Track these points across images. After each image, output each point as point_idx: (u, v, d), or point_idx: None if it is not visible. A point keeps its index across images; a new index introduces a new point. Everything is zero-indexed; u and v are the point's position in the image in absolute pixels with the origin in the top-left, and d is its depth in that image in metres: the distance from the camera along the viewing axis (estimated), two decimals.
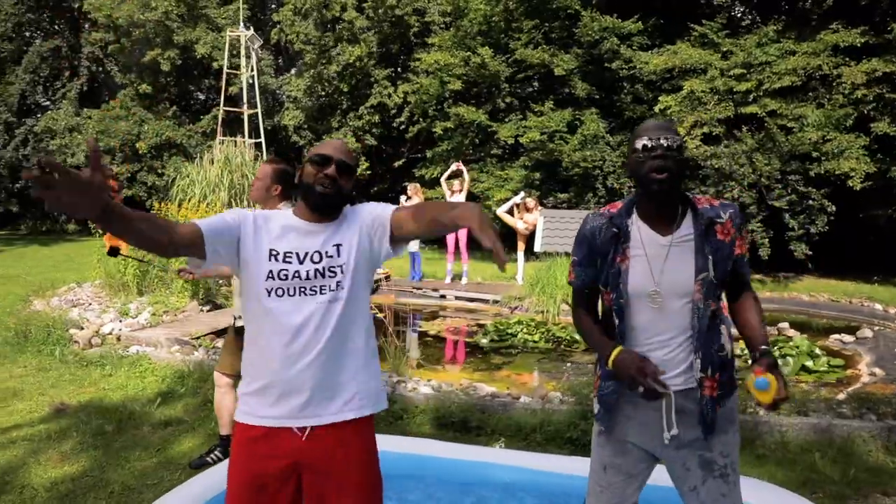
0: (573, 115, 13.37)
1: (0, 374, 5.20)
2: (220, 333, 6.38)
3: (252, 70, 13.48)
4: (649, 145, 1.67)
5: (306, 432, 1.71)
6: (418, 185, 11.32)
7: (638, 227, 1.79)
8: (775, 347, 6.40)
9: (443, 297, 10.06)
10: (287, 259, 1.69)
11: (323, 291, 1.70)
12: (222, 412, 3.50)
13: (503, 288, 9.57)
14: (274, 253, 1.69)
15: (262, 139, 13.81)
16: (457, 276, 10.56)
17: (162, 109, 18.87)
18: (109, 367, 5.28)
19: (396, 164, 19.01)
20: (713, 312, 1.74)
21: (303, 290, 1.69)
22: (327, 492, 1.73)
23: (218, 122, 14.48)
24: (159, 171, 16.67)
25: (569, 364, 6.10)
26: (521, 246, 10.47)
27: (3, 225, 25.67)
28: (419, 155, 17.28)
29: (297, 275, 1.68)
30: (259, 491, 1.71)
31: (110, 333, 6.25)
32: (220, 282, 9.43)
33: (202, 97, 22.58)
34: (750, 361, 1.77)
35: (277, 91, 20.16)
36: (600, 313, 1.94)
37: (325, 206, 1.73)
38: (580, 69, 13.48)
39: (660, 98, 11.82)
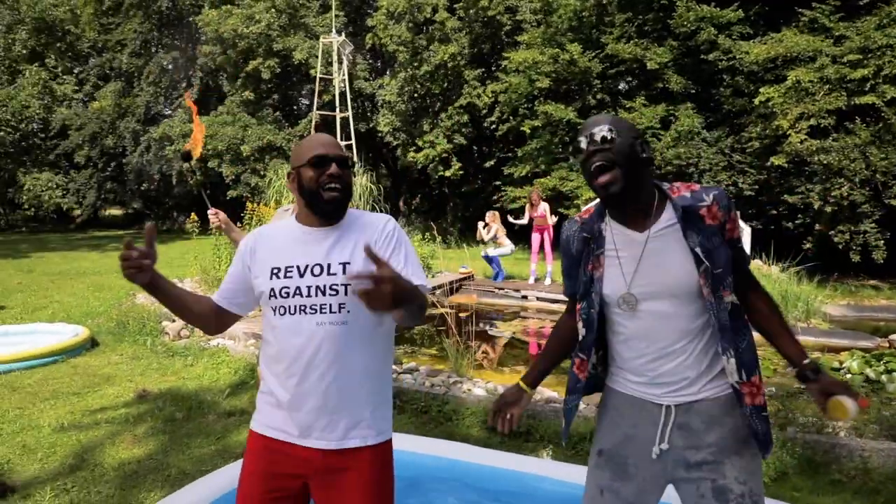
0: (667, 111, 12.78)
1: (99, 361, 5.69)
2: None
3: (343, 75, 13.91)
4: (584, 145, 1.53)
5: (312, 452, 1.65)
6: (496, 213, 11.33)
7: (611, 229, 1.63)
8: (881, 362, 5.81)
9: (524, 297, 9.95)
10: (288, 274, 1.63)
11: (323, 311, 1.59)
12: None
13: None
14: (275, 270, 1.64)
15: (353, 142, 14.21)
16: (541, 278, 10.42)
17: (265, 115, 19.94)
18: (191, 357, 5.64)
19: (487, 163, 18.99)
20: (733, 305, 1.54)
21: (302, 308, 1.60)
22: None
23: (312, 126, 15.08)
24: (261, 172, 17.61)
25: None
26: None
27: (130, 224, 28.25)
28: (509, 154, 17.15)
29: (297, 291, 1.61)
30: (268, 500, 1.66)
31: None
32: None
33: (304, 102, 23.66)
34: (795, 377, 1.63)
35: (373, 95, 20.71)
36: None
37: (337, 209, 1.65)
38: (675, 62, 12.86)
39: (761, 90, 11.02)
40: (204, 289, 8.76)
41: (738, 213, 1.59)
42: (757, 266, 9.62)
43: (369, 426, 1.65)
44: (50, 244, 18.62)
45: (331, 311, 1.59)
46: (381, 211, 14.74)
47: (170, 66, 23.62)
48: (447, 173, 18.02)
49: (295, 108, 22.71)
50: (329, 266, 1.61)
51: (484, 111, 17.63)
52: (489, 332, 7.80)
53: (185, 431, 3.99)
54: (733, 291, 1.56)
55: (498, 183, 17.23)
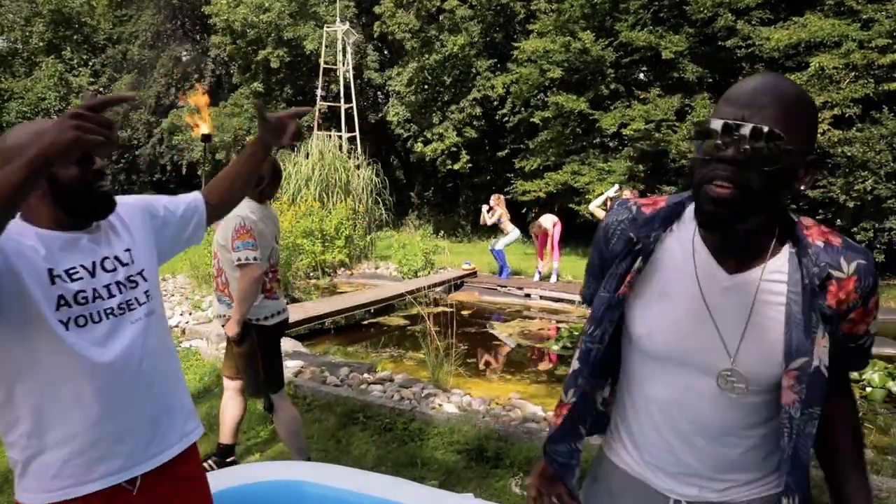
0: (682, 102, 12.22)
1: None
2: None
3: (348, 65, 13.56)
4: (712, 127, 0.99)
5: (137, 484, 1.40)
6: (501, 196, 10.90)
7: (684, 245, 1.12)
8: None
9: (527, 296, 9.55)
10: (74, 277, 1.32)
11: (132, 307, 1.41)
12: (225, 417, 3.31)
13: None
14: (55, 274, 1.30)
15: (357, 133, 13.89)
16: (547, 276, 10.02)
17: (275, 106, 19.70)
18: None
19: (498, 154, 18.52)
20: (815, 428, 1.04)
21: (110, 311, 1.36)
22: None
23: (314, 117, 14.79)
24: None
25: None
26: None
27: None
28: (521, 146, 16.68)
29: (97, 294, 1.34)
30: None
31: (176, 326, 6.39)
32: (296, 275, 9.55)
33: (314, 92, 23.36)
34: None
35: (383, 85, 20.36)
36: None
37: (112, 206, 1.42)
38: (691, 50, 12.29)
39: None
40: (194, 284, 8.51)
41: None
42: None
43: (193, 412, 1.60)
44: None
45: (139, 304, 1.43)
46: (387, 204, 14.44)
47: (184, 57, 23.51)
48: (455, 167, 17.61)
49: (303, 98, 22.42)
50: (117, 257, 1.43)
51: (496, 102, 17.18)
52: (483, 333, 7.43)
53: None
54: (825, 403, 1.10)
55: (509, 175, 16.80)
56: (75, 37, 27.21)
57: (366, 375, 4.66)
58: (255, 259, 2.86)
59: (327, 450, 3.60)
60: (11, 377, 1.29)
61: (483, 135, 18.86)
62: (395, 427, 3.81)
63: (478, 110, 17.35)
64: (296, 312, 7.23)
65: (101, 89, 25.56)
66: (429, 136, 17.73)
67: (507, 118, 16.70)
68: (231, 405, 3.23)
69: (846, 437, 1.14)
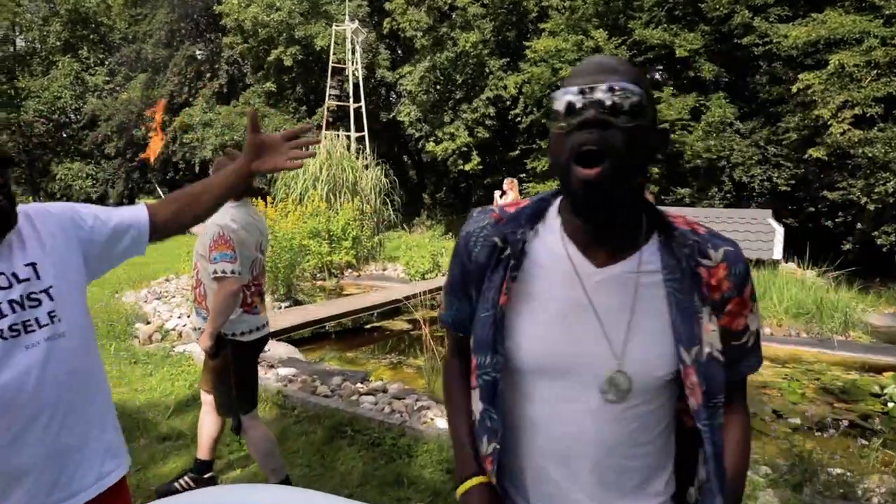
0: (697, 101, 11.92)
1: None
2: (274, 335, 6.20)
3: (357, 64, 13.43)
4: (577, 103, 0.91)
5: None
6: (515, 180, 10.65)
7: (553, 245, 1.02)
8: None
9: None
10: None
11: (30, 329, 1.24)
12: (202, 433, 3.16)
13: None
14: None
15: (366, 133, 13.76)
16: None
17: (286, 105, 19.66)
18: (151, 366, 5.23)
19: (510, 154, 18.29)
20: (722, 414, 0.97)
21: (0, 333, 1.20)
22: None
23: (323, 116, 14.69)
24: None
25: None
26: None
27: None
28: (533, 146, 16.45)
29: None
30: None
31: (174, 329, 6.29)
32: (302, 276, 9.43)
33: (327, 92, 23.30)
34: None
35: (395, 84, 20.23)
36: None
37: (5, 224, 1.25)
38: (707, 48, 11.99)
39: (800, 76, 10.12)
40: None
41: (753, 287, 1.02)
42: (790, 270, 8.82)
43: (118, 448, 1.44)
44: None
45: (41, 326, 1.26)
46: (395, 203, 14.29)
47: (198, 56, 23.57)
48: (466, 167, 17.40)
49: (313, 97, 22.35)
50: (14, 274, 1.26)
51: (508, 102, 16.96)
52: None
53: None
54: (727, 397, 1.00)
55: (522, 176, 16.56)
56: (91, 36, 27.45)
57: (358, 385, 4.50)
58: (232, 272, 2.71)
59: (311, 465, 3.45)
60: None
61: (495, 135, 18.64)
62: (383, 442, 3.65)
63: (490, 110, 17.13)
64: (297, 315, 7.12)
65: (116, 88, 25.76)
66: (440, 135, 17.54)
67: (519, 118, 16.47)
68: (208, 420, 3.09)
69: (734, 448, 1.03)
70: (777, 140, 11.16)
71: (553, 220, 1.04)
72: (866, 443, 4.21)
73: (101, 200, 25.20)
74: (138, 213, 1.47)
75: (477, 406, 1.06)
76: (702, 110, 11.88)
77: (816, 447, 3.86)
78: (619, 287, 0.97)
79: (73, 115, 25.97)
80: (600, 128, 0.88)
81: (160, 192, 27.85)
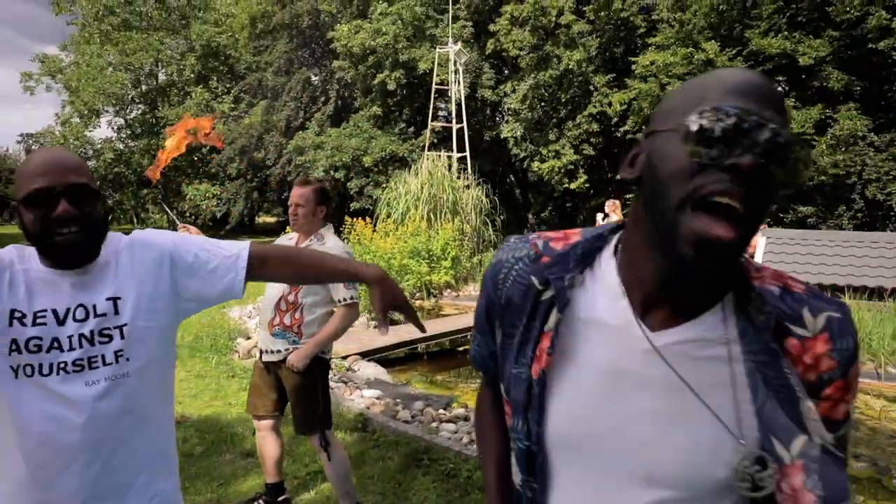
0: (822, 113, 10.96)
1: None
2: (365, 355, 6.27)
3: (460, 84, 13.58)
4: (704, 124, 0.68)
5: None
6: (618, 203, 10.25)
7: (598, 297, 0.84)
8: None
9: None
10: (39, 320, 1.19)
11: (94, 365, 1.22)
12: (265, 458, 3.21)
13: None
14: (18, 315, 1.19)
15: (467, 152, 13.84)
16: None
17: (392, 127, 20.26)
18: (247, 381, 5.43)
19: (618, 176, 17.78)
20: None
21: (63, 366, 1.20)
22: None
23: (427, 137, 14.96)
24: (384, 184, 17.84)
25: None
26: None
27: (279, 232, 30.27)
28: None
29: (56, 344, 1.20)
30: None
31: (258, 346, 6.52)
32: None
33: (430, 113, 23.83)
34: None
35: (498, 103, 20.30)
36: None
37: (77, 258, 1.24)
38: (835, 56, 11.02)
39: None
40: None
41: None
42: None
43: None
44: None
45: (105, 364, 1.23)
46: (495, 223, 14.22)
47: (314, 81, 24.92)
48: (572, 186, 17.03)
49: (424, 119, 22.92)
50: (95, 307, 1.24)
51: (615, 119, 16.49)
52: None
53: (194, 471, 3.70)
54: None
55: (629, 196, 15.98)
56: (221, 67, 29.87)
57: (440, 412, 4.42)
58: (358, 299, 2.90)
59: (385, 493, 3.40)
60: None
61: (601, 153, 18.17)
62: (459, 474, 3.53)
63: (595, 126, 16.72)
64: (390, 336, 7.17)
65: (240, 114, 27.76)
66: (545, 153, 17.33)
67: (627, 136, 15.95)
68: (269, 444, 3.12)
69: None
70: None
71: (607, 262, 0.85)
72: None
73: (225, 219, 27.15)
74: (239, 256, 1.40)
75: (516, 475, 0.91)
76: (828, 123, 10.91)
77: None
78: (671, 358, 0.77)
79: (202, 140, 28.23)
80: (745, 179, 0.67)
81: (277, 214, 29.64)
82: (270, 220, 37.23)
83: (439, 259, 11.27)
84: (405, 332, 7.47)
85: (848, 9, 10.40)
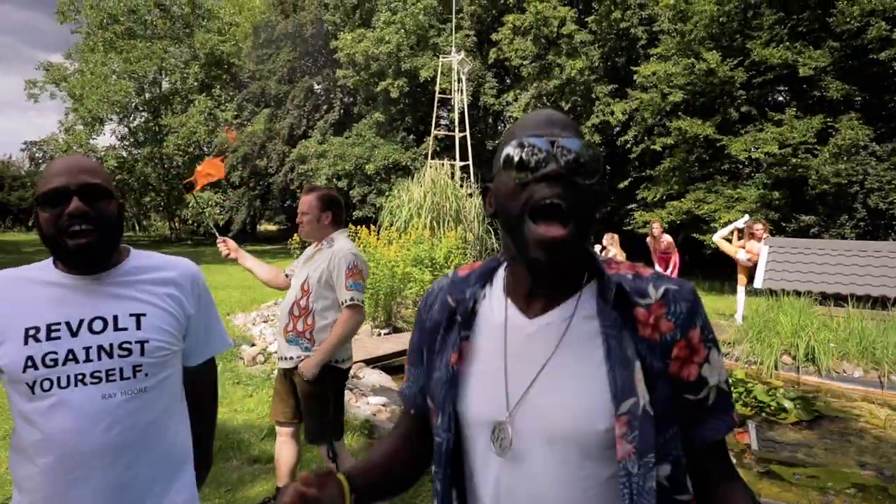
0: (824, 123, 11.02)
1: None
2: (369, 362, 6.30)
3: (463, 93, 13.66)
4: (528, 158, 0.87)
5: None
6: (615, 235, 10.30)
7: (496, 302, 0.99)
8: None
9: None
10: (54, 334, 1.21)
11: (111, 378, 1.23)
12: (280, 463, 3.22)
13: (716, 330, 8.11)
14: (32, 331, 1.20)
15: (470, 161, 13.90)
16: None
17: (394, 136, 20.36)
18: (252, 387, 5.46)
19: (622, 183, 17.81)
20: (664, 488, 0.85)
21: (80, 378, 1.21)
22: None
23: (429, 145, 15.04)
24: (387, 192, 17.92)
25: (761, 440, 4.75)
26: (741, 280, 8.83)
27: (283, 238, 30.29)
28: (644, 174, 15.88)
29: (70, 356, 1.21)
30: None
31: (277, 352, 6.55)
32: (403, 304, 9.57)
33: (433, 121, 23.96)
34: None
35: (501, 111, 20.40)
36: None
37: (91, 260, 1.26)
38: (836, 66, 11.09)
39: None
40: None
41: (712, 336, 0.92)
42: None
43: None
44: (204, 257, 20.21)
45: (123, 378, 1.25)
46: (499, 233, 14.28)
47: (317, 89, 25.07)
48: None
49: (426, 127, 23.05)
50: (115, 319, 1.25)
51: (617, 129, 16.58)
52: None
53: None
54: (685, 473, 0.89)
55: (632, 206, 16.02)
56: (224, 76, 30.03)
57: None
58: (361, 302, 2.86)
59: (393, 499, 3.41)
60: (15, 430, 1.28)
61: (604, 163, 18.25)
62: None
63: (597, 137, 16.80)
64: (394, 343, 7.20)
65: (243, 122, 27.89)
66: None
67: (629, 145, 16.05)
68: (286, 450, 3.14)
69: None
70: None
71: (498, 278, 1.02)
72: None
73: (227, 226, 27.25)
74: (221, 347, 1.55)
75: (436, 476, 1.00)
76: (829, 132, 10.97)
77: None
78: (547, 337, 0.91)
79: (205, 148, 28.32)
80: (566, 184, 0.85)
81: (280, 221, 29.70)
82: (272, 228, 37.26)
83: (442, 267, 11.28)
84: (407, 338, 7.50)
85: (848, 20, 10.48)
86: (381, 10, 19.89)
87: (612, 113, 16.21)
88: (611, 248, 10.04)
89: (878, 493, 4.02)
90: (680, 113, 13.32)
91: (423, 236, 11.62)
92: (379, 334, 8.16)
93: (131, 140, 30.33)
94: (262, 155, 24.99)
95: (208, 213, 26.08)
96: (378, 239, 10.45)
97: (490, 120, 21.93)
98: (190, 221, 26.97)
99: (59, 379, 1.21)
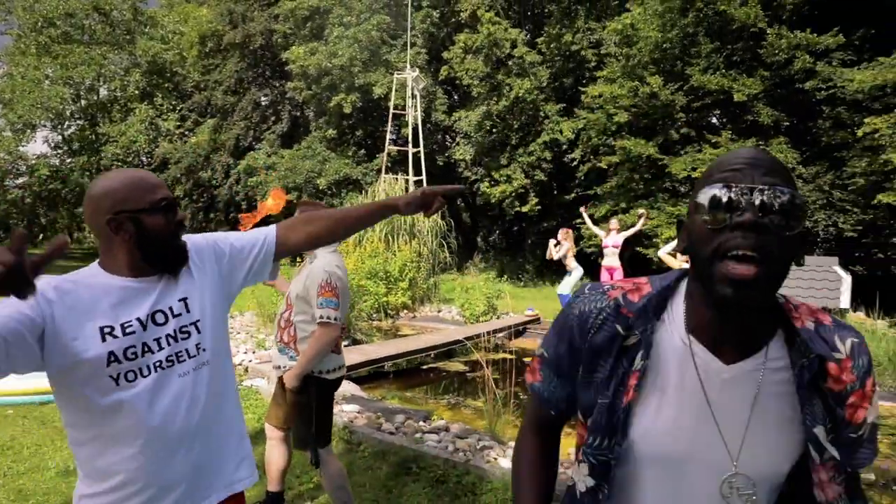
0: (756, 145, 11.79)
1: None
2: None
3: (417, 110, 13.90)
4: (731, 198, 0.89)
5: None
6: (570, 231, 10.68)
7: (677, 340, 1.01)
8: None
9: None
10: (128, 331, 1.35)
11: (181, 359, 1.42)
12: (270, 467, 3.30)
13: None
14: (107, 330, 1.33)
15: (424, 177, 14.12)
16: None
17: (346, 150, 20.39)
18: None
19: (566, 198, 18.39)
20: None
21: (158, 364, 1.37)
22: None
23: (383, 161, 15.20)
24: (338, 207, 17.93)
25: None
26: None
27: None
28: (590, 191, 16.48)
29: (147, 348, 1.37)
30: None
31: (240, 364, 6.54)
32: (359, 316, 9.64)
33: (384, 136, 24.09)
34: None
35: (451, 127, 20.75)
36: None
37: (182, 261, 1.46)
38: (766, 93, 11.93)
39: (866, 120, 9.95)
40: (259, 322, 8.73)
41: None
42: (859, 319, 8.51)
43: (249, 460, 1.60)
44: None
45: (190, 356, 1.44)
46: (451, 246, 14.53)
47: (262, 102, 24.80)
48: (524, 209, 17.53)
49: (374, 141, 23.13)
50: (171, 308, 1.43)
51: (564, 146, 17.16)
52: None
53: None
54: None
55: (578, 221, 16.58)
56: (166, 85, 29.25)
57: (421, 423, 4.59)
58: (335, 319, 2.84)
59: (378, 500, 3.54)
60: (82, 425, 1.37)
61: (551, 178, 18.80)
62: (447, 480, 3.71)
63: (547, 154, 17.33)
64: (357, 354, 7.28)
65: (185, 132, 27.24)
66: (497, 177, 17.80)
67: (575, 163, 16.61)
68: (276, 453, 3.22)
69: None
70: (842, 185, 10.93)
71: (678, 308, 1.02)
72: None
73: None
74: (267, 238, 1.62)
75: (585, 480, 1.06)
76: None
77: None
78: (743, 386, 0.96)
79: (145, 159, 27.49)
80: (757, 232, 0.86)
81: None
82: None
83: (396, 280, 11.43)
84: (371, 350, 7.60)
85: (777, 52, 11.31)
86: (332, 24, 19.97)
87: (561, 132, 16.78)
88: (564, 242, 10.36)
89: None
90: (624, 133, 13.95)
91: (378, 249, 11.75)
92: (347, 345, 8.21)
93: (65, 148, 29.10)
94: (207, 167, 24.49)
95: None
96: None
97: (440, 135, 22.26)
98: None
99: (140, 369, 1.36)
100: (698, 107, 13.40)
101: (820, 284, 8.85)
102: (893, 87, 9.85)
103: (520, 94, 16.63)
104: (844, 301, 8.36)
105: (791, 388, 0.95)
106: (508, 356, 7.77)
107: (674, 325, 1.01)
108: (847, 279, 8.66)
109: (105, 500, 1.38)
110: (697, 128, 13.61)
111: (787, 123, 12.11)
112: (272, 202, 3.64)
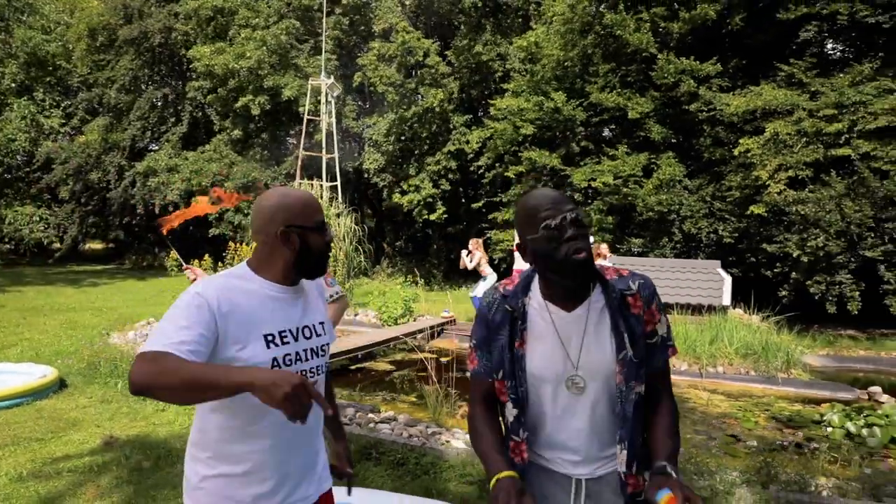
0: (649, 159, 13.02)
1: (66, 404, 5.52)
2: None
3: (331, 117, 14.04)
4: (556, 223, 1.47)
5: None
6: (480, 240, 11.24)
7: (538, 305, 1.59)
8: (861, 415, 5.82)
9: None
10: (285, 340, 1.53)
11: (320, 371, 1.67)
12: None
13: None
14: (269, 337, 1.50)
15: (338, 182, 14.26)
16: None
17: (253, 153, 20.01)
18: (162, 403, 5.47)
19: (474, 205, 19.11)
20: (639, 397, 1.54)
21: (303, 373, 1.58)
22: None
23: (296, 165, 15.18)
24: (245, 211, 17.55)
25: None
26: None
27: (110, 259, 27.89)
28: (496, 199, 17.26)
29: (298, 357, 1.58)
30: None
31: None
32: None
33: (292, 141, 23.79)
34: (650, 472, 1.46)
35: (360, 135, 20.92)
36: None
37: (324, 271, 1.68)
38: (657, 112, 13.17)
39: (740, 141, 11.30)
40: None
41: (662, 305, 1.61)
42: (738, 315, 9.68)
43: (326, 462, 1.77)
44: (26, 278, 18.26)
45: (321, 372, 1.67)
46: (365, 252, 14.76)
47: (159, 102, 23.74)
48: (432, 217, 18.06)
49: (283, 147, 22.82)
50: (314, 327, 1.64)
51: (471, 156, 17.86)
52: (465, 379, 7.71)
53: (151, 482, 3.85)
54: (643, 383, 1.56)
55: (484, 226, 17.31)
56: (48, 79, 27.19)
57: (371, 415, 4.90)
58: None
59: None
60: (234, 410, 1.50)
61: (457, 186, 19.47)
62: (407, 462, 4.06)
63: (453, 163, 17.94)
64: None
65: (70, 131, 25.52)
66: (406, 186, 18.21)
67: (482, 171, 17.36)
68: None
69: (663, 416, 1.57)
70: (721, 196, 12.27)
71: (535, 287, 1.61)
72: (812, 455, 4.90)
73: (50, 244, 24.65)
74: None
75: (511, 412, 1.59)
76: (653, 168, 12.96)
77: (773, 460, 4.49)
78: (579, 321, 1.54)
79: (24, 158, 25.49)
80: (584, 236, 1.48)
81: (116, 238, 27.32)
82: (97, 246, 33.83)
83: None
84: None
85: (665, 75, 12.53)
86: (238, 26, 19.60)
87: (468, 142, 17.48)
88: (476, 251, 10.89)
89: (701, 451, 5.19)
90: (529, 144, 14.82)
91: None
92: None
93: None
94: (98, 167, 23.10)
95: (26, 229, 23.48)
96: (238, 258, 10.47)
97: (349, 142, 22.36)
98: (6, 240, 24.00)
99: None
100: (597, 122, 14.52)
101: (705, 284, 9.95)
102: (762, 113, 11.24)
103: (432, 104, 17.17)
104: (726, 299, 9.47)
105: (606, 316, 1.53)
106: (428, 356, 8.19)
107: (535, 297, 1.60)
108: (728, 280, 9.81)
109: (228, 483, 1.52)
110: (596, 141, 14.72)
111: (675, 140, 13.40)
112: (210, 202, 3.69)
